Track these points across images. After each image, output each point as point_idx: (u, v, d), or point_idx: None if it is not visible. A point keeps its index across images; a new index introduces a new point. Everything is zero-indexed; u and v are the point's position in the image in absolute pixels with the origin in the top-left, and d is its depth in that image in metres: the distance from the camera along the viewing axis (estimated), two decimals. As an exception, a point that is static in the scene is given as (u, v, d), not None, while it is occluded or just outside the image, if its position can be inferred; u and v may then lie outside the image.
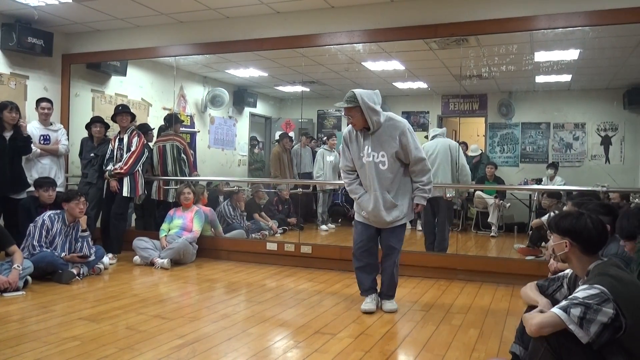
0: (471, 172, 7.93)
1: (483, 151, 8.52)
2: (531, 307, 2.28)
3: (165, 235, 5.56)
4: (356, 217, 3.93)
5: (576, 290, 2.01)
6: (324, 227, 8.02)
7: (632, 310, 1.88)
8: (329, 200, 8.48)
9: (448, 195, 5.74)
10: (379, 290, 3.94)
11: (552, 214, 5.66)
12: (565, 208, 4.93)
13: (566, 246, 2.13)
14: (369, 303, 3.81)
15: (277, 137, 9.08)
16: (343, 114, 3.79)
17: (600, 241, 2.15)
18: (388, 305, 3.85)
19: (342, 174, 3.97)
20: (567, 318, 1.89)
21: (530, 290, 2.40)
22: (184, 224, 5.59)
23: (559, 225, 2.17)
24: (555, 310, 1.93)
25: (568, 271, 2.38)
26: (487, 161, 8.35)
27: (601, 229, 2.14)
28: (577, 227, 2.12)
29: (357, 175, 3.85)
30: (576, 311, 1.88)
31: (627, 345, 1.89)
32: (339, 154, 8.33)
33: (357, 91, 3.64)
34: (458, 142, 8.95)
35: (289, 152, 8.38)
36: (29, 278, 4.24)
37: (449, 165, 5.68)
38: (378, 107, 3.69)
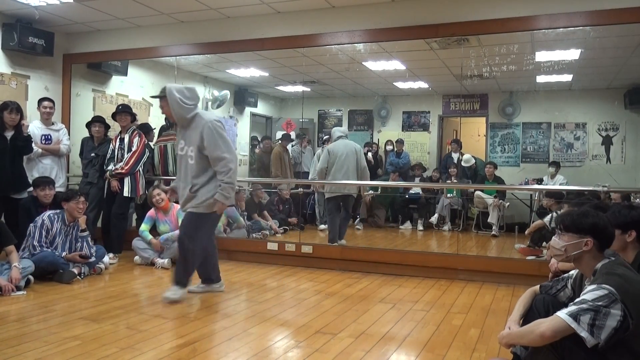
0: (470, 180, 8.02)
1: (476, 159, 8.48)
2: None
3: (157, 238, 5.51)
4: None
5: (584, 292, 1.99)
6: (322, 226, 8.03)
7: (638, 309, 1.87)
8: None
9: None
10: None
11: (554, 214, 5.67)
12: (564, 209, 4.94)
13: (585, 245, 2.10)
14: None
15: (278, 137, 9.11)
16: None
17: (613, 238, 2.17)
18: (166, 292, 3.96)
19: None
20: (577, 326, 1.88)
21: (522, 298, 2.40)
22: (171, 228, 5.48)
23: (578, 224, 2.13)
24: (565, 317, 1.90)
25: (572, 272, 2.37)
26: (483, 165, 8.32)
27: (612, 226, 2.15)
28: (600, 225, 2.11)
29: None
30: (586, 318, 1.87)
31: (631, 345, 1.89)
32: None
33: (169, 85, 3.89)
34: (453, 140, 9.03)
35: (289, 152, 8.40)
36: (31, 277, 4.25)
37: (356, 168, 6.05)
38: (188, 102, 3.87)
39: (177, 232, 5.46)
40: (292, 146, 9.08)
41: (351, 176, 6.03)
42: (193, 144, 3.84)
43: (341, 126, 10.49)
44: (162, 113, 4.12)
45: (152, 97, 4.20)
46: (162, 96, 3.86)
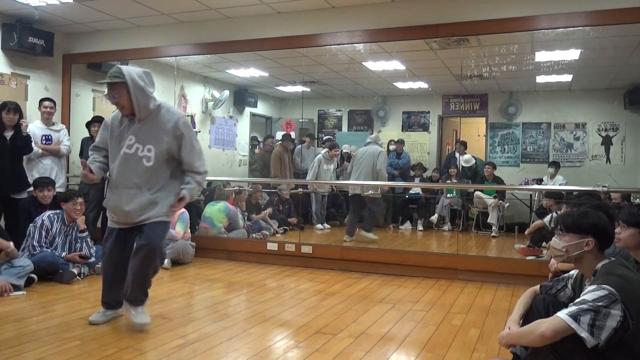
0: (470, 179, 8.05)
1: (476, 159, 8.49)
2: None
3: None
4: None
5: (584, 292, 1.99)
6: (319, 226, 8.03)
7: (638, 310, 1.87)
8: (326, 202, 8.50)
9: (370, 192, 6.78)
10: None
11: (554, 214, 5.67)
12: (563, 209, 4.94)
13: (587, 245, 2.11)
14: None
15: (278, 137, 9.11)
16: (105, 94, 3.35)
17: (613, 239, 2.19)
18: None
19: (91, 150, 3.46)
20: (577, 327, 1.88)
21: (521, 298, 2.40)
22: (171, 235, 5.45)
23: (579, 225, 2.13)
24: (565, 317, 1.91)
25: (573, 272, 2.37)
26: (483, 165, 8.33)
27: (612, 225, 2.17)
28: (601, 225, 2.12)
29: (103, 157, 3.38)
30: (586, 318, 1.87)
31: (631, 345, 1.89)
32: (338, 164, 8.45)
33: (124, 67, 3.15)
34: (458, 141, 9.03)
35: (290, 152, 8.39)
36: (34, 276, 4.25)
37: (371, 170, 6.50)
38: (149, 90, 3.17)
39: (172, 231, 5.46)
40: (300, 146, 9.08)
41: (364, 178, 6.56)
42: (154, 142, 3.15)
43: (341, 126, 10.53)
44: (113, 103, 3.22)
45: (102, 82, 3.21)
46: (119, 82, 3.09)
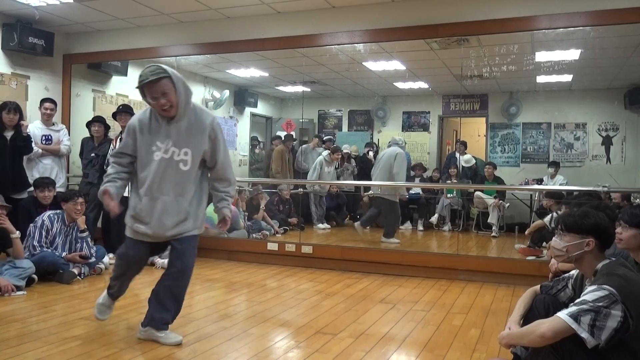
0: (471, 180, 8.06)
1: (476, 159, 8.49)
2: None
3: None
4: (127, 232, 3.04)
5: (584, 292, 1.99)
6: (320, 225, 8.04)
7: (638, 310, 1.87)
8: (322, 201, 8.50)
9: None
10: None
11: (554, 214, 5.67)
12: (563, 209, 4.94)
13: (587, 245, 2.11)
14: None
15: (281, 137, 9.12)
16: (147, 96, 2.84)
17: (613, 239, 2.20)
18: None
19: (112, 158, 3.07)
20: (578, 327, 1.88)
21: (522, 298, 2.40)
22: None
23: (580, 225, 2.13)
24: (565, 317, 1.91)
25: (573, 272, 2.37)
26: (483, 165, 8.33)
27: (612, 225, 2.17)
28: (601, 225, 2.12)
29: (126, 166, 3.01)
30: (586, 319, 1.87)
31: (631, 345, 1.89)
32: (339, 164, 8.45)
33: (159, 64, 2.90)
34: (458, 141, 9.03)
35: (291, 152, 8.39)
36: (35, 277, 4.25)
37: (388, 172, 6.51)
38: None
39: None
40: (305, 146, 9.08)
41: (380, 179, 6.63)
42: (191, 145, 2.91)
43: (341, 126, 10.53)
44: (159, 105, 2.83)
45: (147, 81, 2.81)
46: (165, 76, 2.81)
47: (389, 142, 7.00)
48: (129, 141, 2.98)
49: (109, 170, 3.01)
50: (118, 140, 5.67)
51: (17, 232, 4.29)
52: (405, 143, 7.27)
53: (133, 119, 3.04)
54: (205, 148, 2.95)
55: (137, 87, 2.86)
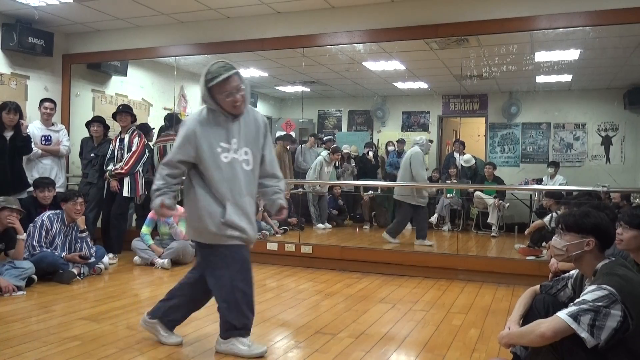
0: (470, 179, 8.06)
1: (476, 159, 8.49)
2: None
3: (159, 241, 5.51)
4: (217, 241, 2.77)
5: (584, 292, 1.99)
6: (320, 225, 8.04)
7: (638, 310, 1.87)
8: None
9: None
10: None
11: (554, 214, 5.67)
12: (563, 209, 4.93)
13: (587, 245, 2.11)
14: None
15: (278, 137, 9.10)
16: (220, 94, 2.71)
17: (614, 239, 2.20)
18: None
19: (166, 167, 2.79)
20: (577, 327, 1.88)
21: (521, 298, 2.40)
22: (176, 232, 5.44)
23: (580, 224, 2.13)
24: (565, 317, 1.90)
25: (573, 272, 2.37)
26: (483, 165, 8.33)
27: (613, 225, 2.17)
28: (602, 226, 2.11)
29: (179, 176, 2.83)
30: (586, 319, 1.87)
31: (631, 345, 1.89)
32: (339, 164, 8.44)
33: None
34: (457, 140, 9.04)
35: (290, 153, 8.38)
36: (35, 277, 4.25)
37: (406, 172, 6.41)
38: None
39: (177, 229, 5.44)
40: (303, 145, 9.08)
41: (400, 179, 6.59)
42: (251, 144, 2.82)
43: (341, 126, 10.54)
44: (237, 104, 2.72)
45: (230, 74, 2.68)
46: (236, 71, 2.73)
47: (412, 141, 6.84)
48: (189, 149, 2.73)
49: (159, 182, 2.76)
50: (117, 140, 5.68)
51: (24, 234, 4.29)
52: (429, 141, 6.88)
53: (190, 124, 2.77)
54: (260, 144, 2.89)
55: (208, 86, 2.70)
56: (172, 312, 2.98)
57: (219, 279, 2.78)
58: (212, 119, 2.78)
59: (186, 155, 2.75)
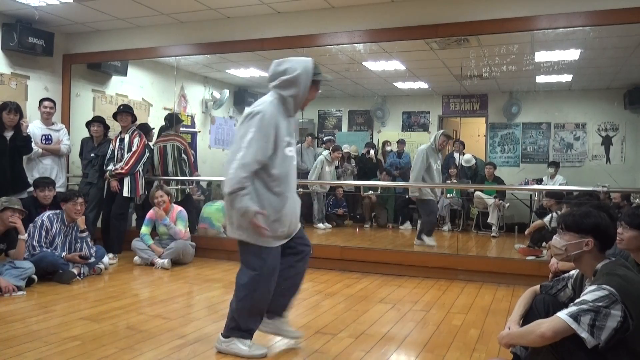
0: (470, 179, 8.06)
1: (476, 159, 8.50)
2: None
3: (158, 241, 5.51)
4: (266, 243, 2.73)
5: (584, 292, 1.99)
6: (320, 225, 8.04)
7: (638, 310, 1.87)
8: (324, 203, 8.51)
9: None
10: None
11: (554, 214, 5.67)
12: (563, 209, 4.93)
13: (586, 245, 2.11)
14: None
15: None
16: (313, 91, 2.78)
17: (614, 239, 2.19)
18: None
19: (245, 170, 2.58)
20: (577, 327, 1.88)
21: (522, 298, 2.40)
22: (174, 232, 5.42)
23: (580, 224, 2.13)
24: (565, 317, 1.91)
25: (573, 272, 2.37)
26: (483, 165, 8.34)
27: (614, 226, 2.16)
28: (602, 225, 2.11)
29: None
30: (586, 319, 1.87)
31: (631, 346, 1.89)
32: (339, 164, 8.44)
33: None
34: (457, 140, 9.03)
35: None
36: (35, 277, 4.26)
37: (414, 171, 6.43)
38: None
39: (176, 228, 5.43)
40: (300, 145, 9.09)
41: (413, 180, 6.51)
42: (294, 140, 2.85)
43: (341, 126, 10.53)
44: (306, 102, 2.80)
45: (326, 79, 2.85)
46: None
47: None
48: (269, 143, 2.62)
49: (246, 183, 2.58)
50: (117, 140, 5.68)
51: (26, 234, 4.29)
52: (445, 135, 6.73)
53: (269, 115, 2.64)
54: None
55: (314, 79, 2.72)
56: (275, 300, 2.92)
57: (248, 279, 2.74)
58: (283, 110, 2.72)
59: (266, 151, 2.61)
